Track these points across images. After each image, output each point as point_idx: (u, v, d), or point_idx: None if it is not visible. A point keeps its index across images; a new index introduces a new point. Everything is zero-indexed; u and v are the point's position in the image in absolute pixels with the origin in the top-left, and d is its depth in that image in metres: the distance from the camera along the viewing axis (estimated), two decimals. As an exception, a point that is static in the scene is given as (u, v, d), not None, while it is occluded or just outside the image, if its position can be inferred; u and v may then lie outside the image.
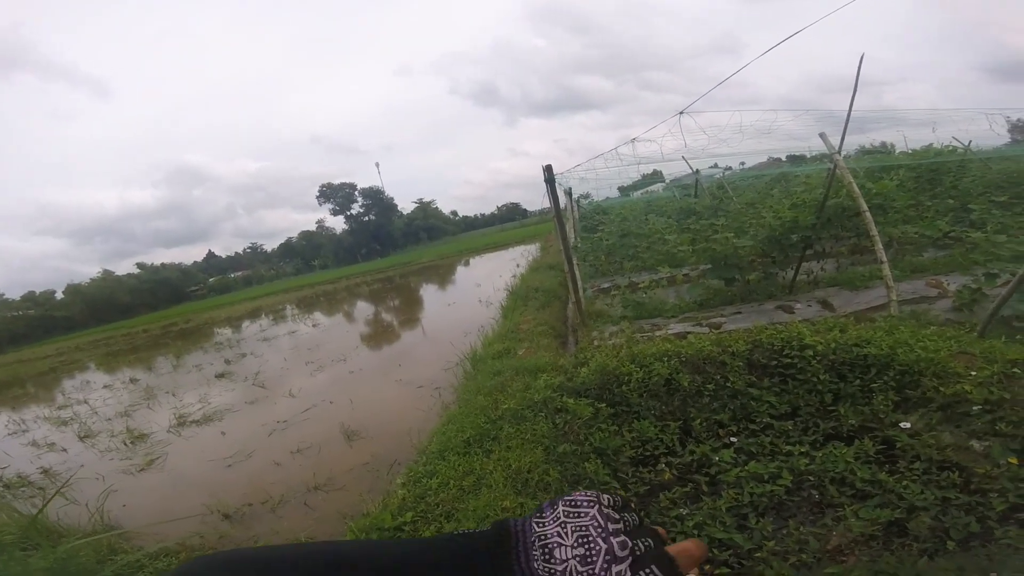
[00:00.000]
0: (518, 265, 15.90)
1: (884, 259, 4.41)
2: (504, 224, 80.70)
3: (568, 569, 0.39)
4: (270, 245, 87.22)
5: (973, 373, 2.79)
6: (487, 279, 15.63)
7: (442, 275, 24.35)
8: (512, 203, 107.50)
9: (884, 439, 2.70)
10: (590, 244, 9.98)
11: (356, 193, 68.31)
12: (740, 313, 5.18)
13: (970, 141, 8.86)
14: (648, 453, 2.96)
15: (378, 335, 12.56)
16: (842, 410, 2.93)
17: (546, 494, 2.59)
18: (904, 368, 2.97)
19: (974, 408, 2.61)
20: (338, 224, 71.72)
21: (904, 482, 2.39)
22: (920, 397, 2.84)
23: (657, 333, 4.70)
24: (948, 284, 4.99)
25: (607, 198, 16.75)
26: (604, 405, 3.27)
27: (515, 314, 7.70)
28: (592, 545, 0.40)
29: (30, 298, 62.23)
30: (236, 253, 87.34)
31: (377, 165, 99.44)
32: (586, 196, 15.55)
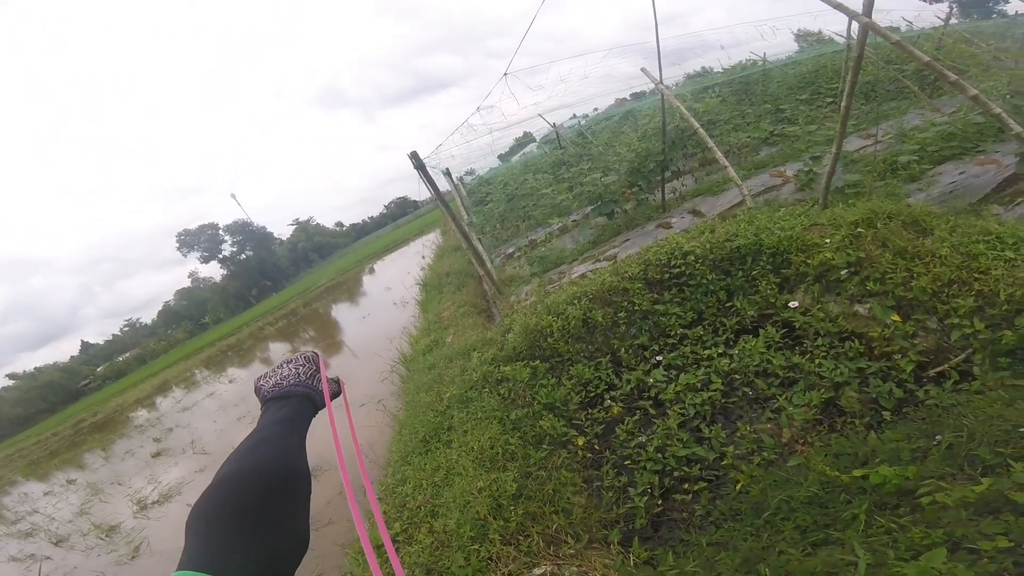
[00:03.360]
0: (423, 256, 15.84)
1: (727, 164, 5.03)
2: (398, 221, 78.40)
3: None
4: (147, 316, 77.53)
5: (827, 240, 3.01)
6: (396, 280, 15.46)
7: (349, 290, 23.51)
8: (399, 198, 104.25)
9: (783, 323, 2.83)
10: (483, 216, 10.25)
11: (221, 232, 62.19)
12: (628, 240, 5.39)
13: (764, 53, 10.28)
14: (592, 394, 3.04)
15: (304, 368, 12.08)
16: (739, 304, 3.08)
17: (514, 463, 2.60)
18: (773, 250, 3.17)
19: (842, 273, 2.78)
20: (214, 271, 65.36)
21: (816, 360, 2.51)
22: (796, 274, 3.02)
23: (564, 281, 4.81)
24: (787, 172, 5.53)
25: (490, 169, 17.07)
26: (538, 363, 3.32)
27: (434, 304, 7.79)
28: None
29: None
30: (114, 335, 76.50)
31: (234, 196, 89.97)
32: (471, 172, 15.56)
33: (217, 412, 10.85)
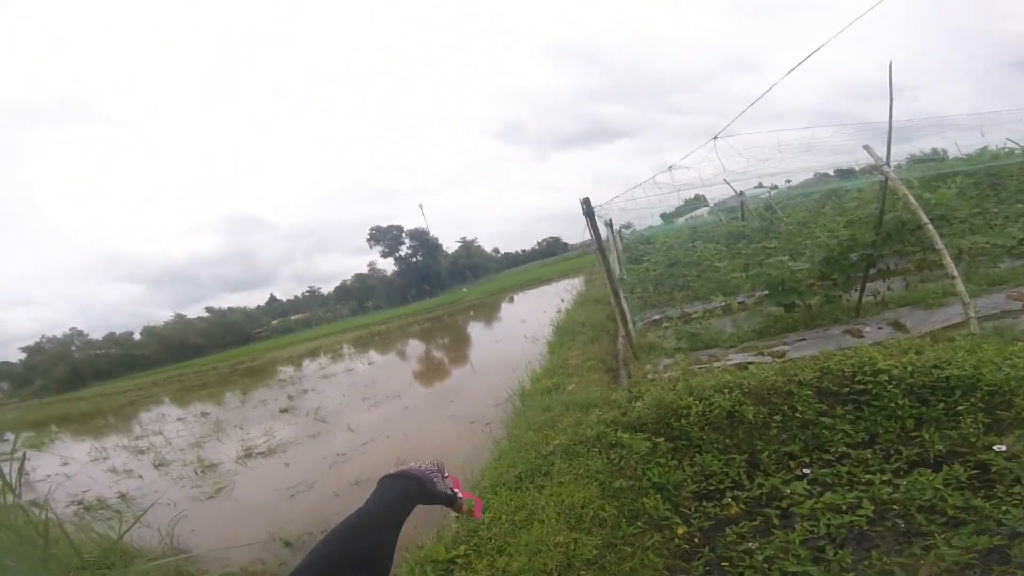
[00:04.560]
0: (562, 300, 15.88)
1: (955, 273, 4.18)
2: (545, 259, 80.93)
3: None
4: (326, 288, 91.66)
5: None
6: (532, 315, 15.70)
7: (488, 313, 24.65)
8: (552, 237, 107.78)
9: (977, 464, 2.53)
10: (636, 275, 9.82)
11: (403, 235, 70.77)
12: (804, 340, 4.92)
13: (1026, 142, 8.30)
14: (712, 487, 2.85)
15: (430, 372, 12.84)
16: (927, 435, 2.77)
17: (601, 529, 2.56)
18: (992, 388, 2.79)
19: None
20: (388, 266, 74.34)
21: (1003, 507, 2.22)
22: (1014, 418, 2.66)
23: (715, 364, 4.53)
24: (1033, 296, 4.52)
25: (650, 226, 16.51)
26: (662, 440, 3.19)
27: (562, 349, 7.69)
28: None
29: (111, 339, 68.12)
30: (296, 297, 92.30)
31: (421, 207, 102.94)
32: (627, 226, 15.22)
33: (348, 387, 11.98)
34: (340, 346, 27.43)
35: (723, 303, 7.02)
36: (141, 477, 7.35)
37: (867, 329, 4.79)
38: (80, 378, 56.28)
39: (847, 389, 3.14)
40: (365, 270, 79.87)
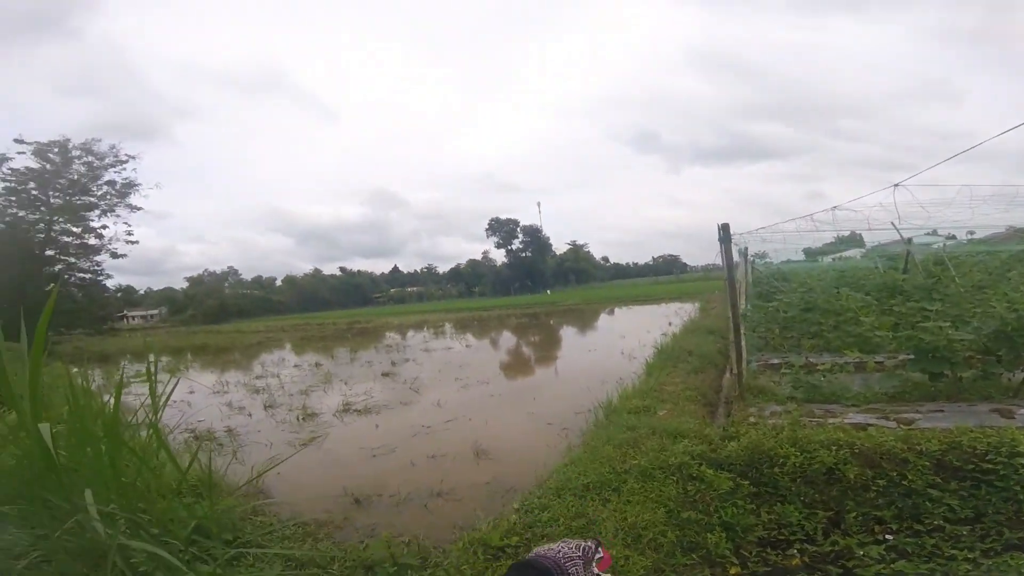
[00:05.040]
0: (670, 323, 15.09)
1: None
2: (659, 276, 77.42)
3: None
4: (442, 268, 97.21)
5: None
6: (633, 332, 15.13)
7: (586, 320, 24.30)
8: (671, 255, 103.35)
9: None
10: (763, 314, 8.96)
11: (518, 229, 72.73)
12: (941, 412, 4.44)
13: None
14: (782, 537, 2.83)
15: (519, 366, 13.00)
16: None
17: (655, 553, 2.57)
18: None
19: None
20: (499, 257, 76.92)
21: None
22: None
23: (830, 420, 4.23)
24: None
25: (787, 261, 14.91)
26: (747, 483, 3.15)
27: (661, 373, 7.30)
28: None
29: (257, 282, 79.04)
30: (415, 271, 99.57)
31: (539, 205, 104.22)
32: (762, 256, 13.93)
33: (444, 364, 12.57)
34: (443, 324, 28.97)
35: (857, 359, 6.31)
36: (250, 415, 8.05)
37: (1021, 411, 4.22)
38: (224, 313, 64.45)
39: (971, 467, 3.00)
40: (479, 257, 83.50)
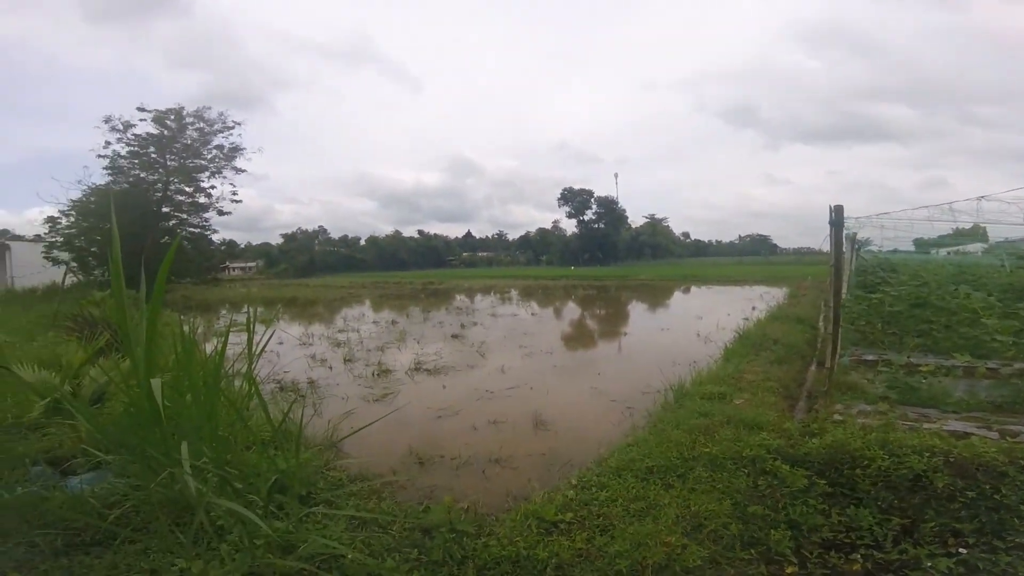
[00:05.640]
0: (754, 308, 14.10)
1: None
2: (743, 257, 72.55)
3: None
4: (512, 235, 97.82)
5: None
6: (711, 314, 14.32)
7: (658, 297, 23.37)
8: (760, 235, 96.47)
9: None
10: (865, 305, 8.17)
11: (592, 200, 70.55)
12: None
13: None
14: (847, 540, 2.71)
15: (584, 339, 12.82)
16: None
17: (714, 545, 2.54)
18: None
19: None
20: (570, 227, 75.57)
21: None
22: None
23: (925, 426, 4.04)
24: None
25: (895, 250, 13.40)
26: (823, 482, 3.05)
27: (740, 360, 6.86)
28: None
29: (343, 240, 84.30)
30: (487, 236, 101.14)
31: (616, 176, 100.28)
32: (866, 243, 12.76)
33: (510, 331, 12.68)
34: (509, 290, 29.23)
35: (967, 364, 5.83)
36: (331, 368, 8.42)
37: None
38: (313, 268, 69.53)
39: None
40: (549, 226, 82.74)
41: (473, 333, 12.25)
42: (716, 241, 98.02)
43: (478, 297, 25.36)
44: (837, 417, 4.25)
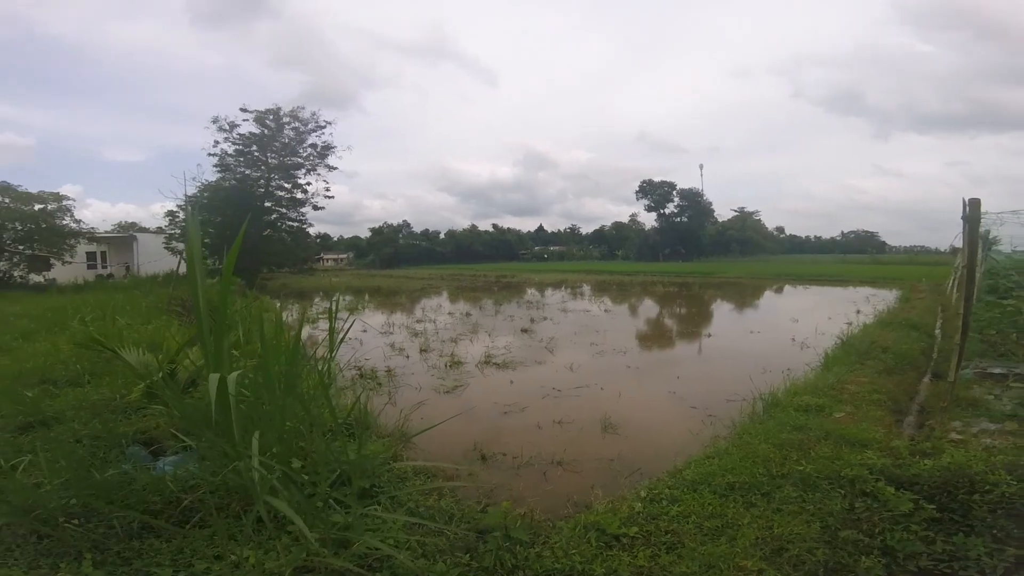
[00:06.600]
0: (859, 311, 12.62)
1: None
2: (847, 255, 65.57)
3: None
4: (586, 229, 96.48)
5: None
6: (808, 316, 13.03)
7: (746, 297, 21.71)
8: (866, 231, 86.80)
9: None
10: (997, 312, 7.07)
11: (674, 193, 67.32)
12: None
13: None
14: (948, 571, 2.42)
15: (662, 339, 12.22)
16: None
17: (795, 572, 2.32)
18: None
19: None
20: (649, 220, 72.81)
21: None
22: None
23: None
24: None
25: (1032, 247, 11.58)
26: (931, 507, 2.74)
27: (843, 369, 6.12)
28: None
29: (425, 234, 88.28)
30: (559, 230, 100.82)
31: (701, 167, 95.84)
32: (996, 242, 11.24)
33: (581, 327, 12.36)
34: (581, 285, 28.73)
35: None
36: (407, 357, 8.73)
37: None
38: (397, 260, 73.98)
39: None
40: (626, 220, 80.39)
41: (542, 328, 12.12)
42: (815, 237, 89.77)
43: (548, 291, 25.21)
44: (955, 436, 3.97)
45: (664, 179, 68.00)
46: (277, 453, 2.40)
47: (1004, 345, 6.79)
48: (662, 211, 68.16)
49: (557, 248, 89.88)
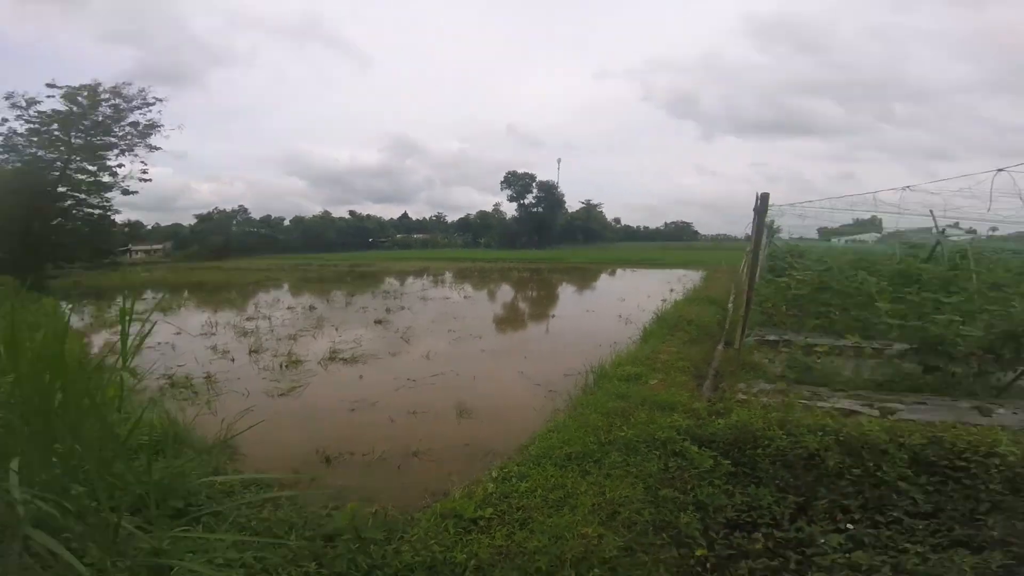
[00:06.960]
0: (672, 290, 14.83)
1: None
2: (668, 242, 76.40)
3: None
4: (452, 217, 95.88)
5: None
6: (633, 295, 14.92)
7: (586, 280, 24.08)
8: (683, 222, 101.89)
9: (1017, 555, 2.45)
10: (772, 289, 8.78)
11: (533, 184, 71.00)
12: (924, 404, 4.54)
13: None
14: (749, 520, 2.83)
15: (514, 322, 12.87)
16: (990, 520, 2.67)
17: (629, 532, 2.53)
18: None
19: None
20: (511, 210, 75.54)
21: None
22: None
23: (817, 404, 4.28)
24: None
25: (801, 238, 14.67)
26: (727, 462, 3.15)
27: (657, 341, 7.13)
28: None
29: (265, 221, 78.47)
30: (424, 218, 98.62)
31: (559, 161, 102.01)
32: (777, 231, 13.99)
33: (439, 315, 12.41)
34: (444, 272, 28.78)
35: (855, 344, 6.22)
36: (233, 360, 7.61)
37: (1000, 411, 4.33)
38: (228, 250, 63.48)
39: (945, 463, 3.03)
40: (490, 209, 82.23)
41: (399, 318, 11.86)
42: (644, 227, 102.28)
43: (409, 280, 24.72)
44: (741, 396, 4.39)
45: (527, 171, 71.26)
46: (49, 480, 1.99)
47: (778, 316, 8.17)
48: (522, 201, 71.42)
49: (421, 236, 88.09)
